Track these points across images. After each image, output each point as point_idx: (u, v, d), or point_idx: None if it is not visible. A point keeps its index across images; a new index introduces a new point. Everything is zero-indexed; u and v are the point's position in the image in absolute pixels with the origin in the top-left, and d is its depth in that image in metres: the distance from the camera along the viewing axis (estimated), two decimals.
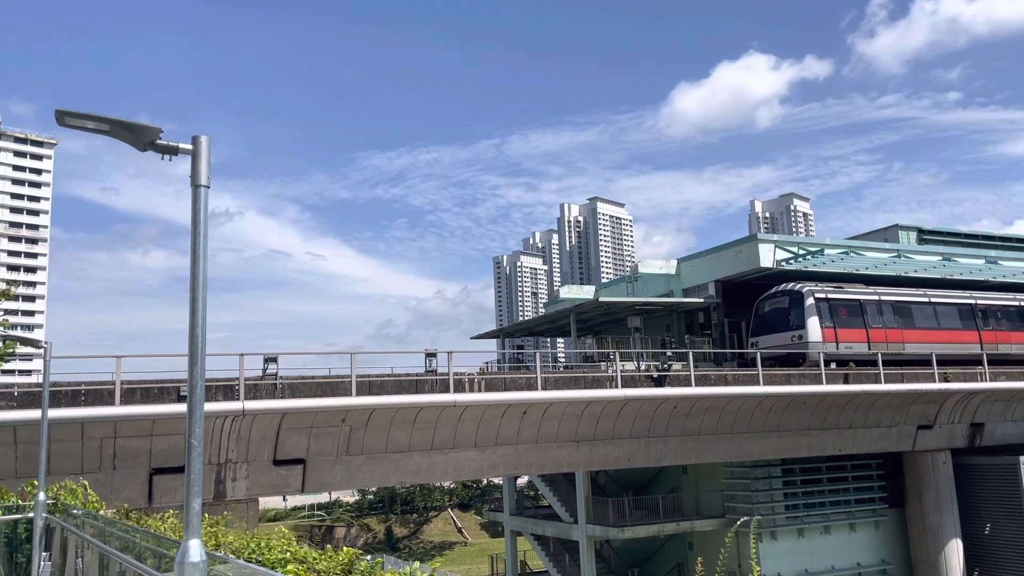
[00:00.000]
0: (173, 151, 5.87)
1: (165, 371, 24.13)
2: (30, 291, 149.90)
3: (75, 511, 12.06)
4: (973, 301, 40.93)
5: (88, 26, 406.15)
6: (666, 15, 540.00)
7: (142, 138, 5.86)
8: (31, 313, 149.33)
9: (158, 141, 5.88)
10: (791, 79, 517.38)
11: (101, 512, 12.66)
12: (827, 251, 41.10)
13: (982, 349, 38.95)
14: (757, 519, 36.85)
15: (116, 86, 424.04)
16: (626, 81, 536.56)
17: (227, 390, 23.73)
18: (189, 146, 5.82)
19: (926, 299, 39.67)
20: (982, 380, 37.33)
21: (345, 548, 7.43)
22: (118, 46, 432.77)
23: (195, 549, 5.46)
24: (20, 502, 12.74)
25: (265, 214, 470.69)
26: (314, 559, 7.20)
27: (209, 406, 22.41)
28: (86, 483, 13.95)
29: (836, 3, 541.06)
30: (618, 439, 31.09)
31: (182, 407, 22.88)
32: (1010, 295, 42.87)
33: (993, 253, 47.48)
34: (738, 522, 26.85)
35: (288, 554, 7.37)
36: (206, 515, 9.21)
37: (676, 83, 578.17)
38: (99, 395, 22.36)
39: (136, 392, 22.79)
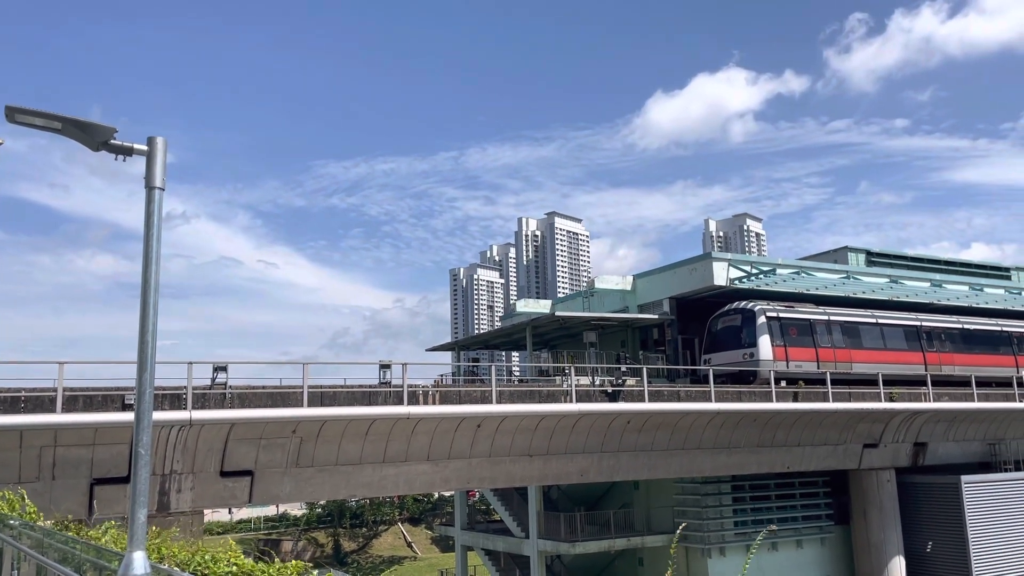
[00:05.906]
0: (127, 152, 5.68)
1: (109, 378, 23.42)
2: None
3: (12, 521, 11.63)
4: (918, 323, 41.94)
5: (35, 18, 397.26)
6: (653, 24, 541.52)
7: (95, 137, 5.67)
8: None
9: (112, 141, 5.70)
10: (768, 94, 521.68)
11: (39, 523, 12.24)
12: (779, 271, 41.79)
13: (926, 370, 39.91)
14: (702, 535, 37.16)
15: (62, 80, 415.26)
16: (597, 94, 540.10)
17: (174, 399, 23.19)
18: (144, 147, 5.64)
19: (873, 320, 40.54)
20: (926, 400, 38.23)
21: (294, 561, 7.27)
22: (68, 39, 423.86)
23: (139, 561, 5.28)
24: None
25: (216, 220, 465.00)
26: (261, 572, 7.02)
27: (155, 415, 21.79)
28: (23, 493, 13.50)
29: (820, 15, 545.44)
30: (572, 454, 31.11)
31: (126, 416, 22.28)
32: (954, 318, 44.08)
33: (938, 277, 48.75)
34: (679, 529, 26.89)
35: (235, 567, 7.18)
36: (152, 527, 8.96)
37: (652, 92, 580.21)
38: (39, 402, 21.66)
39: (79, 400, 22.13)
